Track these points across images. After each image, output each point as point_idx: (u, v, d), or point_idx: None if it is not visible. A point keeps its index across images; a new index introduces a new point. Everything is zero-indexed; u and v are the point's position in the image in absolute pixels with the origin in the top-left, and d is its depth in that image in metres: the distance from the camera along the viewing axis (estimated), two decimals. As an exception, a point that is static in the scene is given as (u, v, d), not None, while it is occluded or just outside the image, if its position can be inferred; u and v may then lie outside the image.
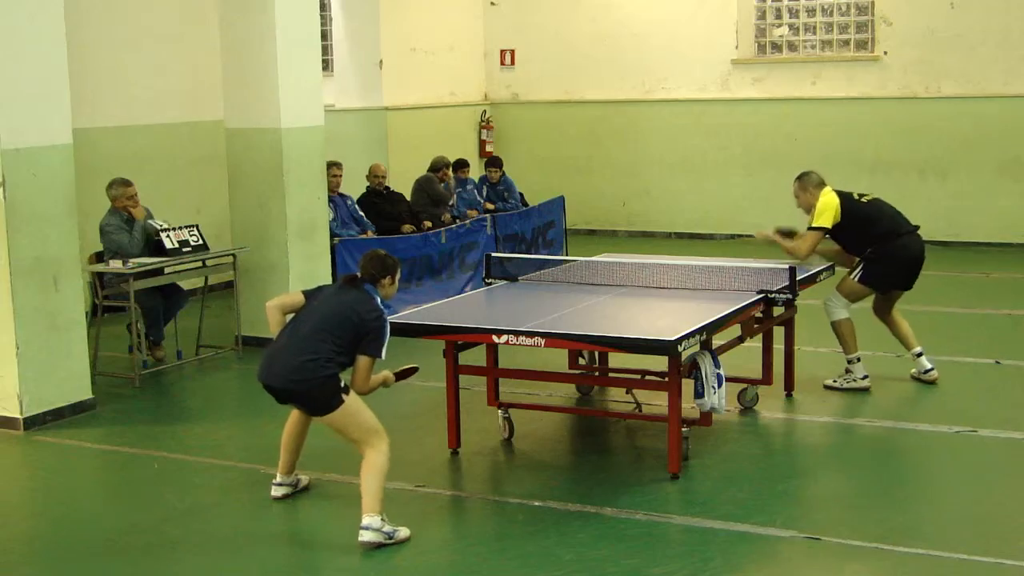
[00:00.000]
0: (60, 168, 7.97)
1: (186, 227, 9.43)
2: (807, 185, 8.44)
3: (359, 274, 6.11)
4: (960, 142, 14.48)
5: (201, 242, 9.44)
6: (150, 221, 9.30)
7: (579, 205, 15.51)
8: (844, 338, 8.37)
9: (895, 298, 8.57)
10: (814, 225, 8.29)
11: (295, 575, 5.69)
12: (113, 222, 9.15)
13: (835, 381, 8.42)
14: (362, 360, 5.87)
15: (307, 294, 6.14)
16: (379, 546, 5.70)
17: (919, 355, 8.48)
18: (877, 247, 8.30)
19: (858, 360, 8.39)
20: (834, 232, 8.34)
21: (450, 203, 12.73)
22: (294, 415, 6.35)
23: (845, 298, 8.38)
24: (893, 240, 8.33)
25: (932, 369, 8.48)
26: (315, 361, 5.79)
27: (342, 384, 5.88)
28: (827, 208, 8.27)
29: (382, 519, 5.74)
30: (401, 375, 6.32)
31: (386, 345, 5.89)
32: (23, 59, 7.69)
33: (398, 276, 6.13)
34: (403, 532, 5.80)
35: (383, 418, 6.07)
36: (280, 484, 6.45)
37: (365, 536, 5.71)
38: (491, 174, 13.80)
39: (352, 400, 5.88)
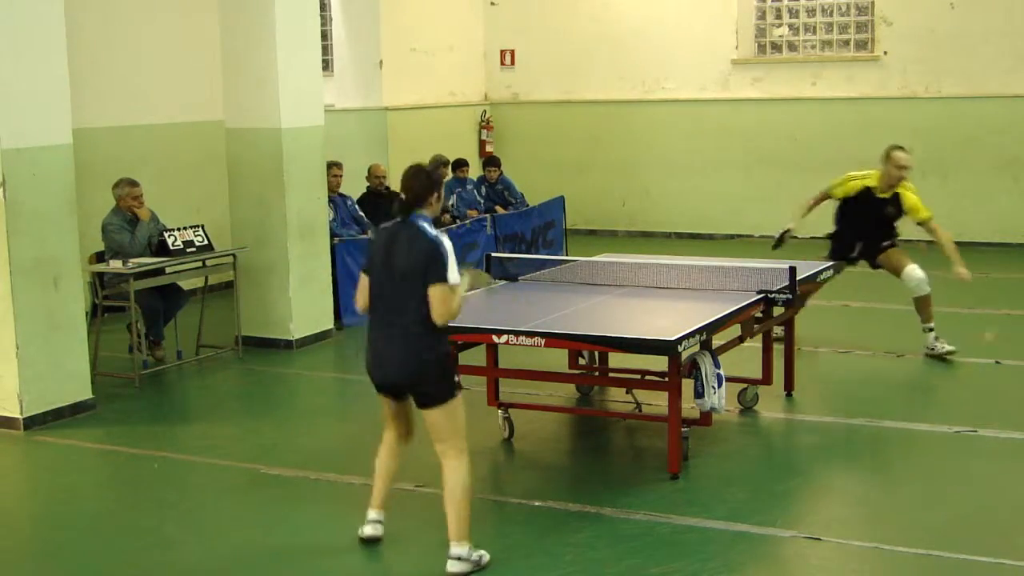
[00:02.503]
0: (60, 168, 7.96)
1: (191, 227, 9.43)
2: None
3: (403, 195, 5.52)
4: (960, 142, 14.47)
5: (206, 242, 9.43)
6: (156, 225, 9.32)
7: (579, 205, 15.49)
8: (929, 308, 8.99)
9: None
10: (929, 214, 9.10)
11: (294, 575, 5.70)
12: (115, 221, 9.16)
13: (933, 349, 9.00)
14: (432, 291, 5.31)
15: (366, 270, 5.60)
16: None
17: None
18: None
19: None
20: (891, 217, 9.15)
21: (450, 203, 12.74)
22: (388, 437, 5.79)
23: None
24: None
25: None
26: (421, 348, 5.37)
27: (456, 378, 5.53)
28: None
29: (470, 547, 5.48)
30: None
31: (451, 266, 5.32)
32: (23, 59, 7.69)
33: (443, 190, 5.69)
34: (486, 557, 5.56)
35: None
36: (377, 521, 5.81)
37: (454, 567, 5.41)
38: (489, 174, 13.80)
39: (459, 401, 5.53)
